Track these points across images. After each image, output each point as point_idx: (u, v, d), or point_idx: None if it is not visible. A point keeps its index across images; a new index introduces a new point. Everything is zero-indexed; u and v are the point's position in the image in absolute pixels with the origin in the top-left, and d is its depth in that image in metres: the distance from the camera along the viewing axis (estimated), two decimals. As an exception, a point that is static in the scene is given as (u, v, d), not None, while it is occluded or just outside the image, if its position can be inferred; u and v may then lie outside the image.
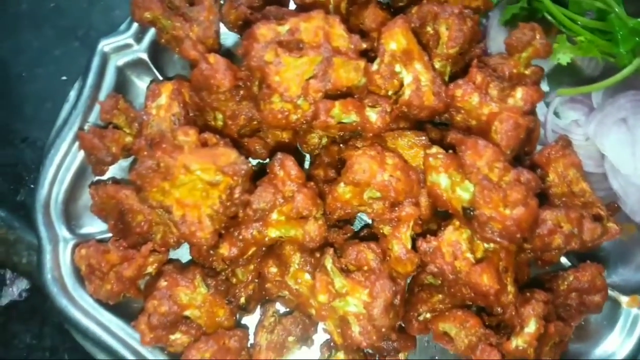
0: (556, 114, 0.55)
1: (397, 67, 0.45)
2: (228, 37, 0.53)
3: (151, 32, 0.51)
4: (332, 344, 0.46)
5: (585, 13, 0.54)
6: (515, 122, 0.40)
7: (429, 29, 0.48)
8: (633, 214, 0.50)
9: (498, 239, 0.39)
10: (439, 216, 0.45)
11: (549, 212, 0.41)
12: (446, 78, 0.50)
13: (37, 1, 0.58)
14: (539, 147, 0.54)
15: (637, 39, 0.52)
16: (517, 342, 0.42)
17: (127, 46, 0.52)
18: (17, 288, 0.52)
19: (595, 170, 0.51)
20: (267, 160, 0.47)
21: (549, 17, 0.53)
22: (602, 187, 0.51)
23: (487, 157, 0.39)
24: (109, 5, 0.57)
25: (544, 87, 0.57)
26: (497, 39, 0.55)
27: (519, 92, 0.42)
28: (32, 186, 0.54)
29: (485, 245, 0.41)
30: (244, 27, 0.52)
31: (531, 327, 0.42)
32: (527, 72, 0.44)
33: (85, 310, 0.47)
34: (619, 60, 0.53)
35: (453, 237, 0.42)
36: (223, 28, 0.52)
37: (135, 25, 0.51)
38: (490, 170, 0.39)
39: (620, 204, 0.50)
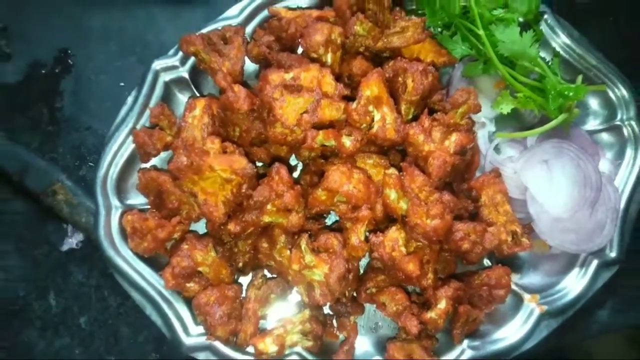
0: (497, 149, 0.74)
1: (370, 108, 0.64)
2: (250, 66, 0.73)
3: (193, 59, 0.71)
4: (302, 302, 0.67)
5: (529, 74, 0.73)
6: (444, 160, 0.60)
7: (400, 79, 0.68)
8: (542, 234, 0.69)
9: (422, 240, 0.60)
10: (389, 220, 0.66)
11: (461, 224, 0.61)
12: (410, 117, 0.69)
13: (106, 21, 0.77)
14: (478, 174, 0.75)
15: (562, 100, 0.70)
16: (431, 314, 0.62)
17: (174, 67, 0.71)
18: (75, 239, 0.73)
19: (518, 197, 0.70)
20: (269, 166, 0.68)
21: (500, 74, 0.72)
22: (522, 210, 0.70)
23: (418, 183, 0.59)
24: (161, 31, 0.77)
25: (491, 128, 0.77)
26: (458, 87, 0.75)
27: (453, 137, 0.62)
28: (91, 164, 0.74)
29: (415, 243, 0.62)
30: (262, 61, 0.72)
31: (442, 305, 0.62)
32: (462, 122, 0.64)
33: (126, 260, 0.67)
34: (550, 114, 0.72)
35: (394, 235, 0.62)
36: (247, 60, 0.72)
37: (181, 52, 0.71)
38: (420, 192, 0.59)
39: (534, 225, 0.70)
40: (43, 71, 0.77)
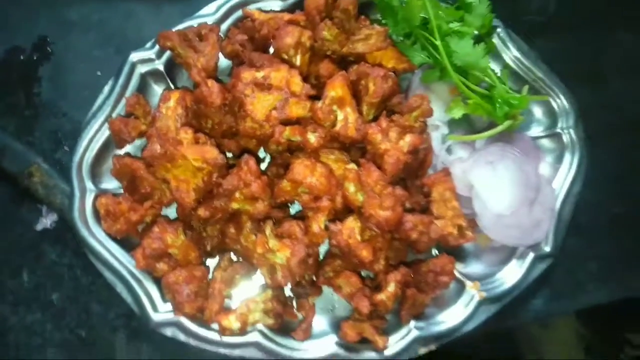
0: (449, 150, 0.82)
1: (334, 108, 0.70)
2: (224, 62, 0.77)
3: (169, 53, 0.75)
4: (264, 283, 0.73)
5: (480, 83, 0.80)
6: (397, 158, 0.67)
7: (362, 82, 0.74)
8: (485, 229, 0.76)
9: (375, 229, 0.66)
10: (348, 210, 0.72)
11: (410, 216, 0.68)
12: (370, 117, 0.76)
13: (86, 12, 0.80)
14: (431, 172, 0.82)
15: (508, 107, 0.78)
16: (381, 296, 0.69)
17: (150, 60, 0.75)
18: (50, 220, 0.77)
19: (465, 194, 0.77)
20: (238, 157, 0.73)
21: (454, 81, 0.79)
22: (468, 207, 0.77)
23: (374, 177, 0.65)
24: (139, 24, 0.81)
25: (445, 130, 0.84)
26: (416, 91, 0.81)
27: (407, 138, 0.68)
28: (67, 149, 0.78)
29: (370, 232, 0.68)
30: (236, 58, 0.77)
31: (391, 288, 0.69)
32: (415, 125, 0.71)
33: (99, 240, 0.71)
34: (497, 120, 0.80)
35: (351, 224, 0.69)
36: (221, 56, 0.77)
37: (158, 46, 0.76)
38: (375, 186, 0.65)
39: (477, 220, 0.78)
40: (22, 57, 0.80)
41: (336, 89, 0.69)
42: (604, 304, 0.87)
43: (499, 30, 0.82)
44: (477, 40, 0.77)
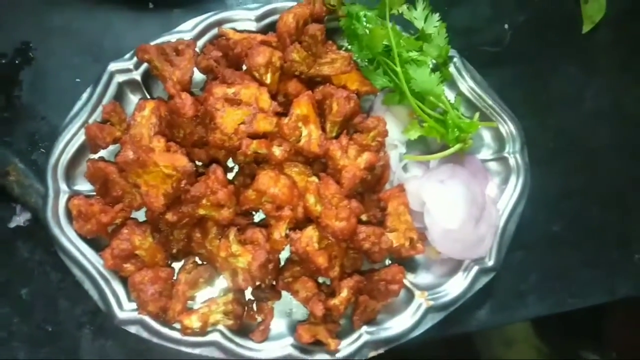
0: (405, 168, 0.88)
1: (299, 124, 0.75)
2: (198, 76, 0.82)
3: (146, 65, 0.79)
4: (227, 286, 0.77)
5: (435, 108, 0.87)
6: (354, 173, 0.72)
7: (327, 102, 0.79)
8: (434, 242, 0.81)
9: (331, 238, 0.72)
10: (307, 220, 0.77)
11: (364, 227, 0.73)
12: (333, 134, 0.81)
13: (68, 21, 0.83)
14: (388, 187, 0.88)
15: (459, 132, 0.84)
16: (334, 301, 0.74)
17: (128, 70, 0.79)
18: (23, 218, 0.79)
19: (418, 209, 0.82)
20: (207, 166, 0.78)
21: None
22: (420, 221, 0.83)
23: (331, 190, 0.71)
24: (119, 35, 0.84)
25: (402, 150, 0.90)
26: (378, 112, 0.87)
27: (365, 155, 0.74)
28: (43, 151, 0.81)
29: (327, 241, 0.73)
30: (210, 73, 0.82)
31: (344, 293, 0.74)
32: (372, 144, 0.77)
33: (70, 240, 0.74)
34: (449, 142, 0.86)
35: (310, 233, 0.73)
36: (196, 70, 0.82)
37: (136, 58, 0.80)
38: (332, 198, 0.71)
39: (427, 234, 0.84)
40: (4, 61, 0.83)
41: (302, 107, 0.75)
42: (556, 318, 0.94)
43: (455, 59, 0.88)
44: (434, 68, 0.83)
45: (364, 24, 0.82)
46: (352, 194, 0.74)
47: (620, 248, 0.96)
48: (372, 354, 0.78)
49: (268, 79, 0.77)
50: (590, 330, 1.40)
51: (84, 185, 0.78)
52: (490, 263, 0.84)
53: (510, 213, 0.86)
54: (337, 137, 0.79)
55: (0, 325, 0.77)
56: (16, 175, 0.77)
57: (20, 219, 0.80)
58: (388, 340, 0.79)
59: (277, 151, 0.73)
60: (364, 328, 0.79)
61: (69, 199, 0.75)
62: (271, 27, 0.82)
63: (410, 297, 0.82)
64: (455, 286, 0.83)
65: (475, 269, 0.83)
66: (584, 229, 0.96)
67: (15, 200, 0.79)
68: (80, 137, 0.77)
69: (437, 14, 0.84)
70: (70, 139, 0.77)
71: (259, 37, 0.80)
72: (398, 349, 0.80)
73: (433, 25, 0.84)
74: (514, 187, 0.87)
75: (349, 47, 0.83)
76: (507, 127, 0.89)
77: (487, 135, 0.91)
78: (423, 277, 0.85)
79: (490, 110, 0.88)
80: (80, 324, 0.79)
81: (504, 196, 0.87)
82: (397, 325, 0.80)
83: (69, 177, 0.77)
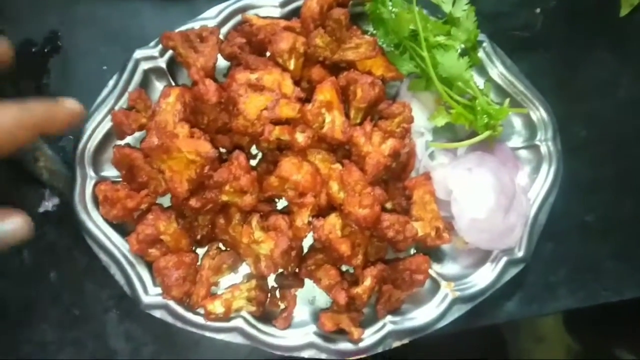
0: (431, 156, 0.85)
1: (322, 110, 0.74)
2: (222, 63, 0.81)
3: (171, 52, 0.79)
4: (250, 273, 0.76)
5: (463, 94, 0.84)
6: (378, 160, 0.70)
7: (351, 88, 0.78)
8: (461, 232, 0.80)
9: (354, 226, 0.70)
10: (330, 207, 0.76)
11: (388, 215, 0.71)
12: (357, 121, 0.79)
13: (94, 9, 0.84)
14: (414, 175, 0.86)
15: (488, 118, 0.82)
16: (357, 290, 0.73)
17: (153, 57, 0.79)
18: (51, 203, 0.80)
19: (444, 198, 0.80)
20: (230, 153, 0.77)
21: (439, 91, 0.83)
22: (447, 210, 0.81)
23: (354, 177, 0.69)
24: (144, 23, 0.84)
25: (429, 137, 0.87)
26: (403, 98, 0.85)
27: (389, 142, 0.72)
28: (70, 137, 0.82)
29: (350, 228, 0.72)
30: (233, 59, 0.81)
31: (367, 282, 0.72)
32: (397, 130, 0.75)
33: (97, 224, 0.75)
34: (478, 129, 0.83)
35: (333, 220, 0.72)
36: (220, 57, 0.81)
37: (161, 45, 0.79)
38: (355, 185, 0.69)
39: (454, 224, 0.81)
40: (33, 49, 0.84)
41: (325, 93, 0.73)
42: (587, 314, 0.90)
43: (484, 44, 0.85)
44: (463, 53, 0.81)
45: (390, 7, 0.79)
46: (376, 181, 0.73)
47: (656, 240, 0.92)
48: (397, 344, 0.77)
49: (292, 64, 0.76)
50: (625, 328, 1.35)
51: (110, 171, 0.78)
52: (520, 254, 0.81)
53: (541, 203, 0.83)
54: (361, 123, 0.77)
55: (29, 307, 0.79)
56: (45, 161, 0.78)
57: (48, 204, 0.81)
58: (413, 330, 0.77)
59: (300, 137, 0.72)
60: (388, 318, 0.77)
61: (95, 185, 0.76)
62: (295, 13, 0.81)
63: (436, 287, 0.79)
64: (483, 277, 0.80)
65: (504, 259, 0.80)
66: (616, 220, 0.92)
67: (44, 185, 0.80)
68: (107, 124, 0.77)
69: (466, -3, 0.81)
70: (97, 126, 0.77)
71: (283, 22, 0.78)
72: (424, 341, 0.78)
73: (461, 8, 0.81)
74: (546, 176, 0.84)
75: (374, 31, 0.81)
76: (539, 114, 0.85)
77: (517, 122, 0.88)
78: (449, 268, 0.83)
79: (521, 97, 0.85)
80: (107, 308, 0.80)
81: (535, 185, 0.84)
82: (422, 315, 0.78)
83: (96, 163, 0.77)
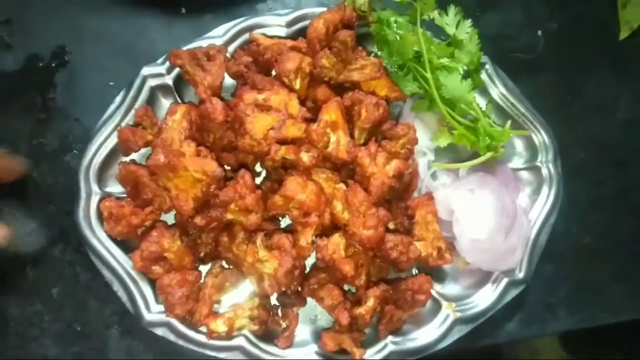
0: (434, 176, 0.86)
1: (328, 130, 0.75)
2: (228, 81, 0.81)
3: (178, 69, 0.79)
4: (252, 291, 0.76)
5: (466, 116, 0.85)
6: (382, 181, 0.71)
7: (356, 108, 0.78)
8: (462, 252, 0.80)
9: (358, 246, 0.71)
10: (334, 227, 0.76)
11: (392, 236, 0.72)
12: (361, 141, 0.80)
13: (102, 25, 0.84)
14: (416, 195, 0.86)
15: (490, 140, 0.82)
16: (360, 310, 0.73)
17: (160, 74, 0.79)
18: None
19: (446, 218, 0.81)
20: (236, 171, 0.77)
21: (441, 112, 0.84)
22: (448, 230, 0.81)
23: (359, 198, 0.70)
24: (152, 40, 0.84)
25: (431, 157, 0.88)
26: (406, 119, 0.86)
27: (393, 163, 0.73)
28: (76, 152, 0.82)
29: (353, 248, 0.72)
30: (240, 78, 0.82)
31: (370, 302, 0.73)
32: (402, 151, 0.75)
33: (101, 241, 0.75)
34: (480, 150, 0.84)
35: (336, 240, 0.73)
36: (226, 75, 0.81)
37: (168, 62, 0.80)
38: (360, 206, 0.70)
39: (456, 244, 0.82)
40: (40, 64, 0.84)
41: (330, 113, 0.74)
42: (584, 332, 0.91)
43: (487, 66, 0.86)
44: (465, 75, 0.81)
45: (395, 29, 0.80)
46: (379, 201, 0.73)
47: (654, 262, 0.92)
48: (397, 364, 0.77)
49: (297, 84, 0.76)
50: (621, 344, 1.35)
51: (115, 187, 0.78)
52: (521, 275, 0.82)
53: (542, 224, 0.84)
54: (365, 143, 0.78)
55: (32, 322, 0.79)
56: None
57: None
58: (414, 351, 0.77)
59: (305, 157, 0.73)
60: (390, 338, 0.77)
61: (100, 201, 0.76)
62: (301, 33, 0.82)
63: (437, 307, 0.80)
64: (484, 298, 0.81)
65: (505, 280, 0.81)
66: (616, 242, 0.92)
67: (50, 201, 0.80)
68: (113, 140, 0.78)
69: (469, 20, 0.82)
70: (103, 142, 0.77)
71: (289, 42, 0.79)
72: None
73: (465, 31, 0.82)
74: (546, 198, 0.85)
75: (379, 52, 0.82)
76: (540, 136, 0.86)
77: (519, 144, 0.88)
78: (451, 288, 0.83)
79: (523, 118, 0.86)
80: (108, 324, 0.80)
81: (536, 207, 0.85)
82: (424, 336, 0.78)
83: (101, 179, 0.78)
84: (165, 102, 0.81)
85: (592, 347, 1.43)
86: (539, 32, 0.97)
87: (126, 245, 0.76)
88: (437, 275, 0.83)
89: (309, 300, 0.78)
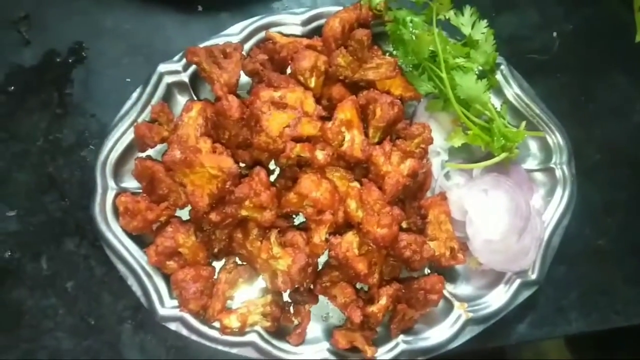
0: (447, 176, 0.86)
1: (342, 129, 0.75)
2: (244, 79, 0.82)
3: (194, 67, 0.80)
4: (265, 288, 0.77)
5: (480, 116, 0.85)
6: (397, 180, 0.71)
7: (370, 107, 0.79)
8: (475, 252, 0.80)
9: (372, 245, 0.71)
10: (348, 225, 0.76)
11: (405, 235, 0.72)
12: (376, 140, 0.80)
13: (119, 22, 0.85)
14: (429, 195, 0.86)
15: (505, 140, 0.82)
16: (372, 308, 0.73)
17: (176, 71, 0.80)
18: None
19: (459, 218, 0.81)
20: (251, 168, 0.78)
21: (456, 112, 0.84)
22: (461, 230, 0.81)
23: (373, 197, 0.70)
24: (168, 37, 0.85)
25: (445, 157, 0.88)
26: (421, 118, 0.86)
27: (408, 162, 0.73)
28: (92, 147, 0.83)
29: (367, 247, 0.72)
30: (255, 76, 0.82)
31: (383, 301, 0.73)
32: (416, 150, 0.75)
33: (116, 235, 0.75)
34: (494, 151, 0.84)
35: (350, 238, 0.73)
36: (242, 73, 0.82)
37: (185, 59, 0.81)
38: (374, 204, 0.70)
39: (469, 244, 0.82)
40: (58, 59, 0.85)
41: (345, 111, 0.74)
42: (590, 334, 0.90)
43: (502, 67, 0.86)
44: (481, 75, 0.81)
45: (410, 29, 0.81)
46: (393, 200, 0.73)
47: (667, 266, 0.92)
48: (409, 363, 0.77)
49: (312, 82, 0.77)
50: (627, 347, 1.34)
51: (131, 183, 0.79)
52: (534, 276, 0.81)
53: (555, 226, 0.84)
54: (379, 142, 0.78)
55: (46, 315, 0.79)
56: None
57: (70, 214, 0.82)
58: (425, 350, 0.77)
59: (320, 155, 0.73)
60: (401, 337, 0.78)
61: (116, 196, 0.77)
62: (317, 32, 0.82)
63: (449, 307, 0.80)
64: (496, 299, 0.80)
65: (518, 282, 0.81)
66: (629, 245, 0.92)
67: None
68: (129, 136, 0.78)
69: (485, 21, 0.82)
70: (119, 137, 0.78)
71: (305, 41, 0.80)
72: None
73: (480, 31, 0.82)
74: (560, 199, 0.85)
75: (394, 52, 0.82)
76: (555, 138, 0.86)
77: (533, 145, 0.88)
78: (463, 288, 0.83)
79: (537, 120, 0.86)
80: (122, 319, 0.80)
81: (550, 208, 0.85)
82: (435, 335, 0.78)
83: (117, 175, 0.78)
84: (181, 99, 0.82)
85: (597, 348, 1.42)
86: (554, 34, 0.97)
87: (141, 240, 0.77)
88: (450, 275, 0.83)
89: (321, 297, 0.79)
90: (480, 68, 0.82)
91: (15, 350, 0.78)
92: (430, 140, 0.76)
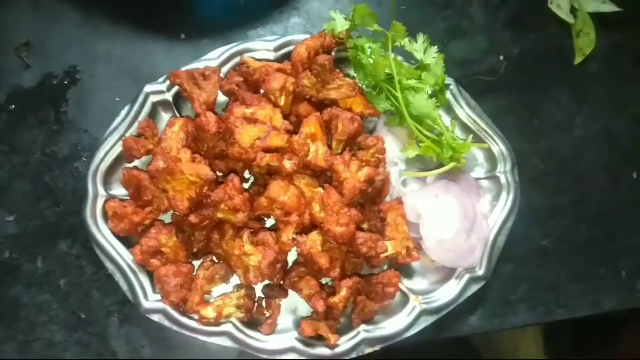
0: (404, 183, 0.96)
1: (308, 141, 0.85)
2: (222, 98, 0.92)
3: (177, 88, 0.90)
4: (240, 283, 0.86)
5: (432, 130, 0.96)
6: (354, 185, 0.81)
7: (334, 122, 0.89)
8: (429, 251, 0.89)
9: (333, 242, 0.81)
10: (313, 226, 0.86)
11: (362, 233, 0.82)
12: (339, 152, 0.90)
13: (110, 48, 0.95)
14: (388, 200, 0.97)
15: (453, 152, 0.93)
16: (335, 299, 0.82)
17: (161, 92, 0.89)
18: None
19: (414, 221, 0.90)
20: (226, 176, 0.88)
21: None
22: (416, 232, 0.91)
23: (333, 199, 0.80)
24: (154, 61, 0.94)
25: (402, 166, 0.99)
26: (381, 132, 0.96)
27: (364, 170, 0.83)
28: (84, 160, 0.92)
29: (329, 244, 0.82)
30: (231, 95, 0.93)
31: (343, 292, 0.82)
32: (372, 160, 0.86)
33: (105, 237, 0.84)
34: (444, 161, 0.94)
35: (314, 237, 0.82)
36: (220, 93, 0.92)
37: (169, 81, 0.91)
38: (334, 206, 0.80)
39: (422, 244, 0.92)
40: (55, 82, 0.95)
41: (311, 126, 0.85)
42: (566, 333, 0.99)
43: (451, 87, 0.97)
44: (432, 95, 0.92)
45: (369, 54, 0.92)
46: (353, 204, 0.83)
47: (607, 264, 1.02)
48: (369, 350, 0.86)
49: (282, 101, 0.87)
50: (603, 348, 1.43)
51: (119, 190, 0.88)
52: (481, 272, 0.91)
53: (500, 227, 0.94)
54: (341, 153, 0.88)
55: (41, 309, 0.88)
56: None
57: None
58: (383, 338, 0.87)
59: (288, 164, 0.83)
60: (362, 327, 0.87)
61: (105, 202, 0.86)
62: (287, 57, 0.93)
63: (405, 300, 0.89)
64: (448, 292, 0.90)
65: (467, 277, 0.91)
66: (572, 246, 1.02)
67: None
68: (118, 149, 0.88)
69: (436, 47, 0.93)
70: (109, 150, 0.88)
71: (276, 65, 0.90)
72: (397, 351, 0.88)
73: (432, 56, 0.93)
74: (505, 204, 0.95)
75: (355, 74, 0.93)
76: (499, 148, 0.97)
77: (480, 156, 0.99)
78: (418, 283, 0.93)
79: (484, 133, 0.97)
80: (110, 313, 0.89)
81: (495, 212, 0.95)
82: (393, 325, 0.88)
83: (107, 183, 0.88)
84: (165, 116, 0.92)
85: (574, 350, 1.51)
86: (501, 57, 1.08)
87: (128, 241, 0.86)
88: (406, 272, 0.93)
89: (291, 293, 0.88)
90: (432, 89, 0.93)
91: (13, 342, 0.86)
92: (383, 151, 0.87)
